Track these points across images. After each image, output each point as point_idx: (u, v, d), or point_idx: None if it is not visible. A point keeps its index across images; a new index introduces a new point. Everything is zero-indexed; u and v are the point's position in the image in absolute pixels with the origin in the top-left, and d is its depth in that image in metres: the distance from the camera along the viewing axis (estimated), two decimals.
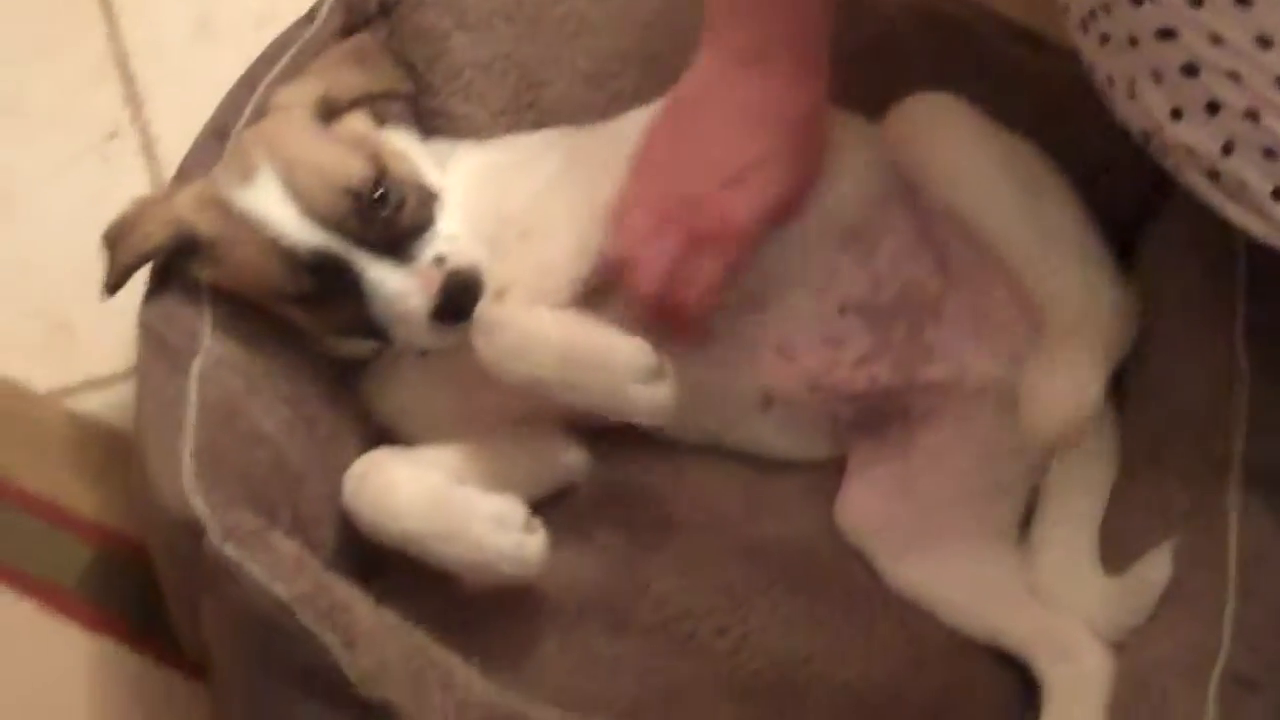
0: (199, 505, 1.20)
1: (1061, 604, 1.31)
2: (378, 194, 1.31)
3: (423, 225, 1.33)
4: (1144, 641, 1.26)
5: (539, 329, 1.28)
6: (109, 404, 1.53)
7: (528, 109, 1.53)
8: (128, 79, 1.72)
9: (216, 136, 1.42)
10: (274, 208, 1.30)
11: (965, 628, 1.34)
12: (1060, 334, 1.31)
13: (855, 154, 1.40)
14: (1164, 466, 1.31)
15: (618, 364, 1.27)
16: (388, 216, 1.31)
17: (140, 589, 1.37)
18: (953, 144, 1.37)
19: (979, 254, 1.36)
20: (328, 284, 1.30)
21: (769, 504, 1.41)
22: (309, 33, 1.47)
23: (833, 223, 1.38)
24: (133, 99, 1.71)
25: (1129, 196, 1.41)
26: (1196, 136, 1.16)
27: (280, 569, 1.18)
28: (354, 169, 1.31)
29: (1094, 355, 1.30)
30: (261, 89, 1.44)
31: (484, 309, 1.30)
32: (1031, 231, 1.34)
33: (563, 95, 1.52)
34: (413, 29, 1.51)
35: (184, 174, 1.40)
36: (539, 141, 1.46)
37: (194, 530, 1.20)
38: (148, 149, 1.68)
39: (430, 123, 1.52)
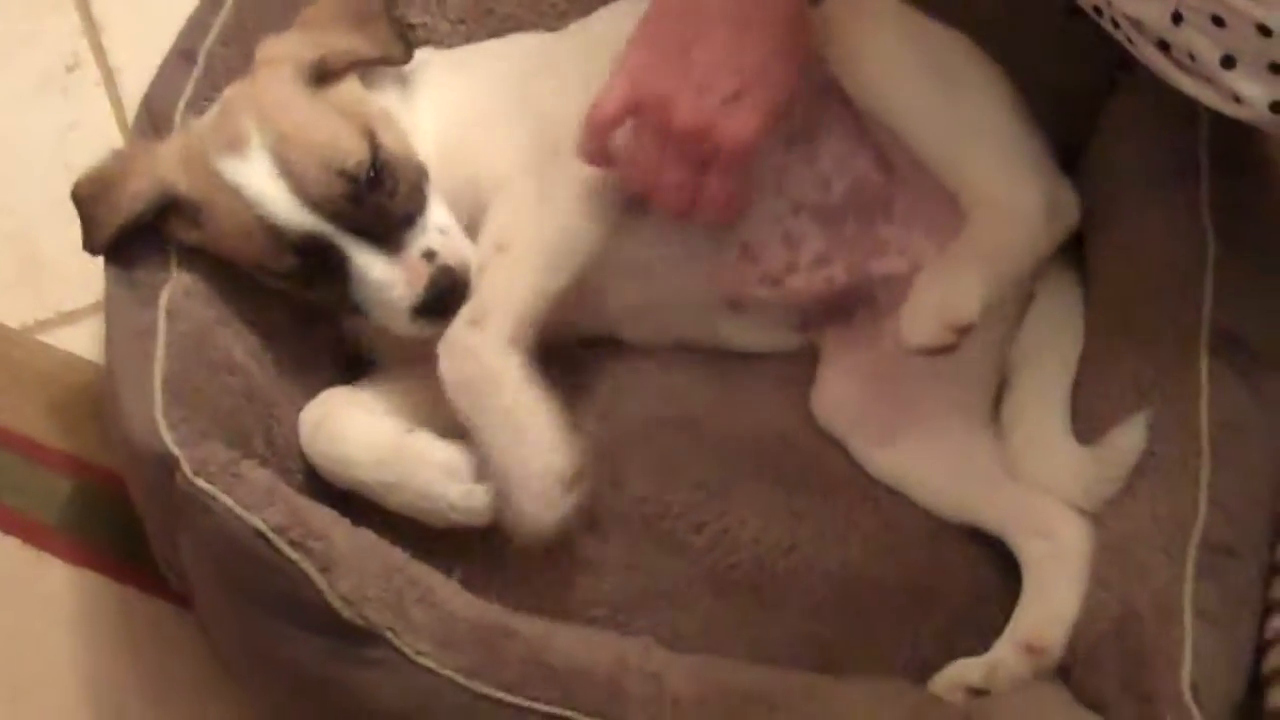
0: (170, 440, 1.22)
1: (1036, 478, 1.32)
2: (371, 176, 1.29)
3: (414, 212, 1.31)
4: (1121, 513, 1.27)
5: (498, 382, 1.27)
6: (83, 338, 1.54)
7: (486, 15, 1.54)
8: (84, 9, 1.71)
9: (184, 58, 1.41)
10: (265, 185, 1.28)
11: (944, 510, 1.36)
12: (966, 236, 1.31)
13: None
14: (1134, 336, 1.32)
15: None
16: (380, 202, 1.29)
17: (121, 521, 1.38)
18: (871, 42, 1.37)
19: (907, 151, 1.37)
20: (313, 264, 1.29)
21: (742, 398, 1.42)
22: None
23: (780, 126, 1.37)
24: (90, 29, 1.70)
25: (1091, 72, 1.41)
26: (1145, 8, 1.16)
27: (253, 499, 1.20)
28: (349, 149, 1.29)
29: (981, 270, 1.29)
30: (228, 5, 1.43)
31: (459, 331, 1.28)
32: (946, 132, 1.34)
33: (510, 14, 1.52)
34: None
35: (152, 99, 1.39)
36: (507, 59, 1.44)
37: (167, 465, 1.21)
38: (108, 79, 1.68)
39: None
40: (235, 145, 1.29)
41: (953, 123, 1.35)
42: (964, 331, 1.26)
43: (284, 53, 1.34)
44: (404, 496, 1.29)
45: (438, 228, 1.31)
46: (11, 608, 1.45)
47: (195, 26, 1.44)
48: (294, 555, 1.19)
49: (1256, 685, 1.23)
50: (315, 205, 1.27)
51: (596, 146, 1.32)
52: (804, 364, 1.44)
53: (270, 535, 1.19)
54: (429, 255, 1.29)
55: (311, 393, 1.37)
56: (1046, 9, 1.31)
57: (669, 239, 1.38)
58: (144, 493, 1.30)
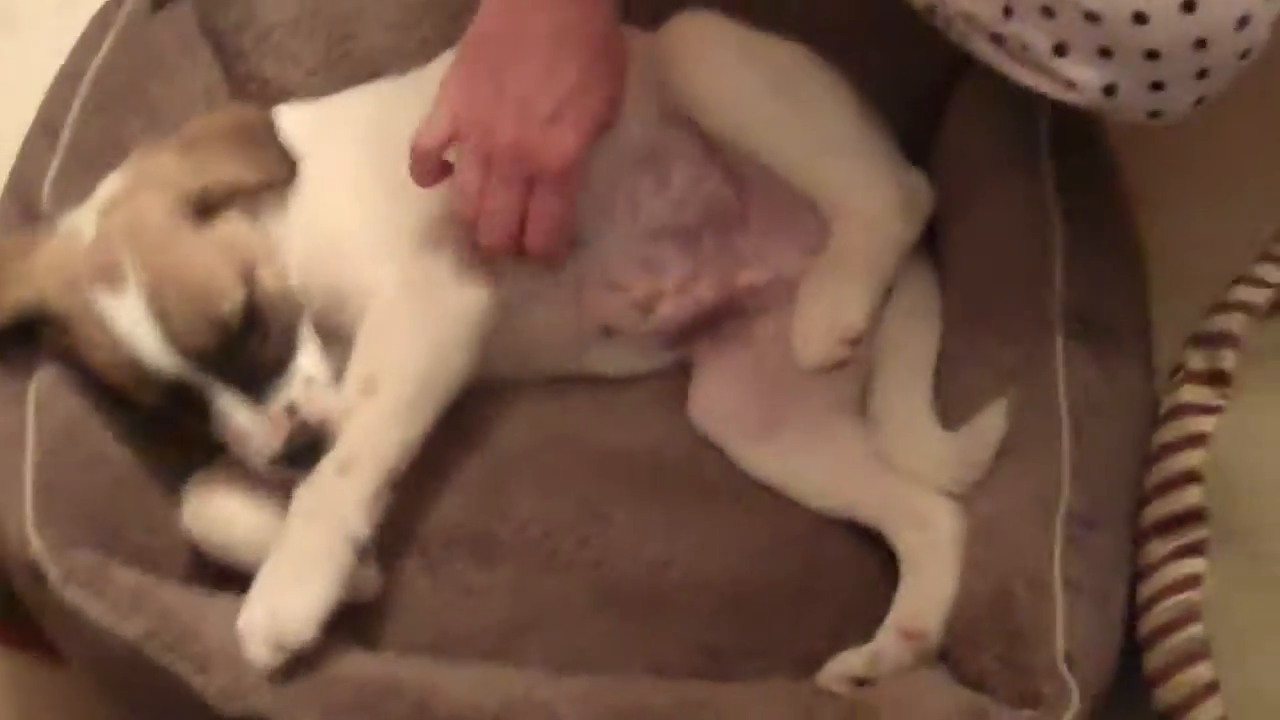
0: (38, 547, 1.24)
1: (905, 466, 1.36)
2: (244, 324, 1.29)
3: (284, 358, 1.31)
4: (989, 494, 1.31)
5: (335, 537, 1.28)
6: None
7: (341, 61, 1.55)
8: None
9: (47, 133, 1.42)
10: (137, 326, 1.27)
11: (822, 504, 1.39)
12: (834, 249, 1.35)
13: (632, 75, 1.40)
14: (990, 322, 1.36)
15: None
16: (251, 350, 1.29)
17: (7, 587, 1.36)
18: (711, 67, 1.40)
19: (756, 165, 1.40)
20: (178, 403, 1.30)
21: (616, 417, 1.45)
22: (124, 11, 1.48)
23: (625, 152, 1.41)
24: None
25: (935, 65, 1.45)
26: (977, 5, 1.21)
27: (122, 608, 1.23)
28: (224, 294, 1.28)
29: (857, 279, 1.33)
30: (90, 76, 1.44)
31: (326, 476, 1.29)
32: (796, 146, 1.38)
33: (372, 46, 1.54)
34: None
35: (18, 178, 1.40)
36: (363, 120, 1.45)
37: (38, 572, 1.24)
38: None
39: (244, 87, 1.54)
40: (110, 279, 1.28)
41: (801, 137, 1.39)
42: (855, 343, 1.30)
43: (165, 178, 1.33)
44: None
45: (304, 378, 1.31)
46: None
47: (57, 99, 1.45)
48: (167, 659, 1.23)
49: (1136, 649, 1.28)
50: (185, 352, 1.28)
51: (423, 175, 1.34)
52: (676, 379, 1.47)
53: (141, 644, 1.23)
54: (291, 409, 1.30)
55: (188, 464, 1.37)
56: (883, 14, 1.35)
57: (536, 277, 1.41)
58: (24, 592, 1.30)
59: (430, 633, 1.35)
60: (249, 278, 1.30)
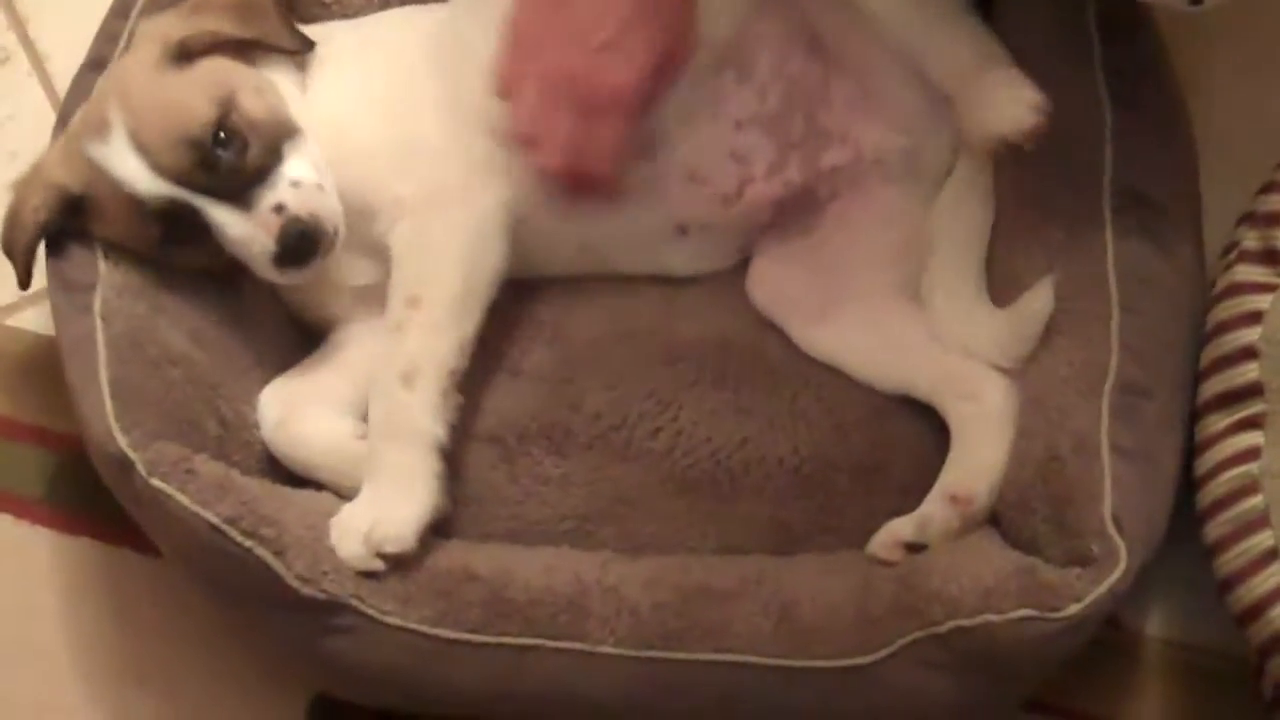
0: (124, 444, 1.35)
1: (958, 343, 1.43)
2: (220, 139, 1.40)
3: (268, 167, 1.41)
4: (1040, 367, 1.38)
5: (412, 442, 1.40)
6: (48, 317, 1.57)
7: None
8: (7, 3, 1.81)
9: (95, 70, 1.51)
10: (124, 162, 1.40)
11: (879, 381, 1.48)
12: (971, 74, 1.42)
13: None
14: (1041, 203, 1.42)
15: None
16: (231, 162, 1.40)
17: (108, 492, 1.45)
18: None
19: (851, 32, 1.47)
20: (183, 230, 1.41)
21: (681, 311, 1.54)
22: None
23: (707, 52, 1.48)
24: (16, 22, 1.80)
25: None
26: None
27: (206, 494, 1.34)
28: (196, 116, 1.40)
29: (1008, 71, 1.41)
30: (134, 15, 1.53)
31: (392, 387, 1.41)
32: (913, 4, 1.45)
33: None
34: None
35: (66, 114, 1.49)
36: (399, 45, 1.54)
37: (125, 467, 1.35)
38: (39, 67, 1.78)
39: (308, 12, 1.60)
40: (99, 129, 1.41)
41: (933, 13, 1.46)
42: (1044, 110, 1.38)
43: (152, 33, 1.46)
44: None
45: (290, 181, 1.42)
46: (12, 582, 1.57)
47: (105, 37, 1.54)
48: (248, 544, 1.33)
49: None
50: (168, 173, 1.40)
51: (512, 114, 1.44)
52: (737, 276, 1.55)
53: (224, 527, 1.33)
54: (279, 208, 1.40)
55: (258, 364, 1.50)
56: None
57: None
58: (112, 485, 1.42)
59: (507, 521, 1.46)
60: (225, 101, 1.42)
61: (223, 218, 1.41)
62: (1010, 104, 1.39)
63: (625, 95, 1.42)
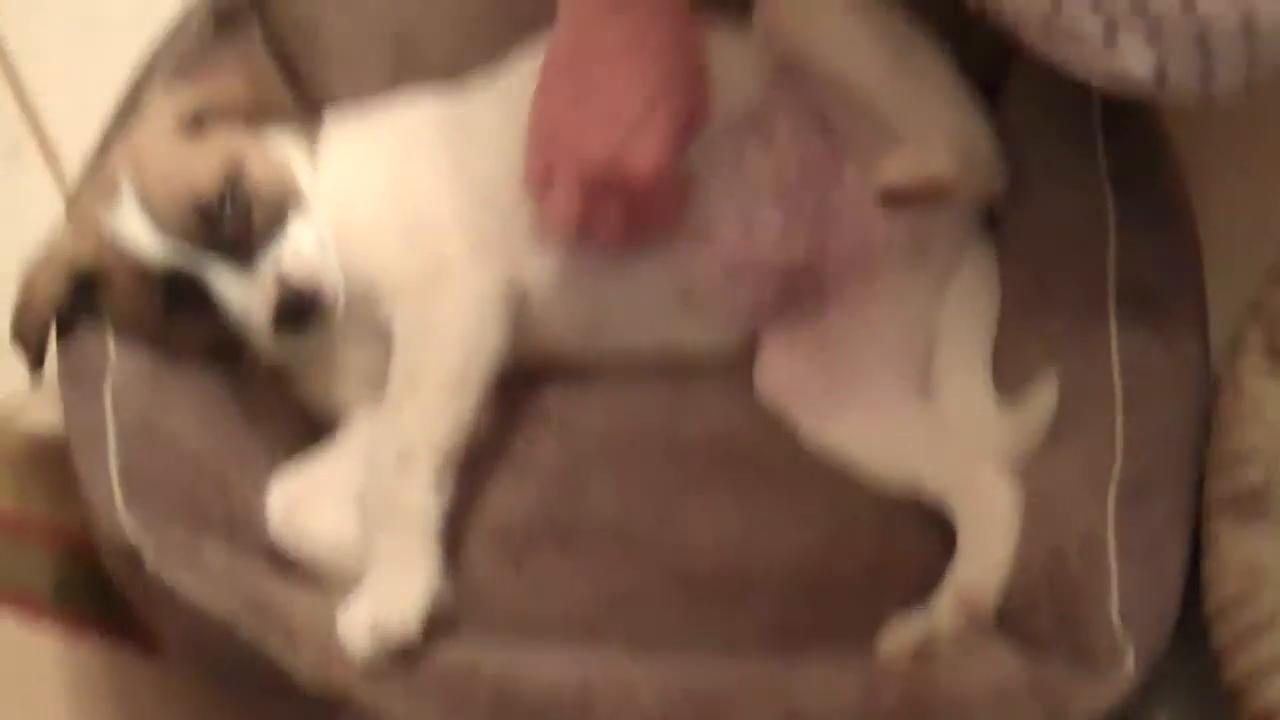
0: (133, 530, 1.35)
1: (964, 439, 1.44)
2: (226, 202, 1.43)
3: (272, 234, 1.44)
4: (1044, 464, 1.38)
5: (407, 521, 1.40)
6: (56, 412, 1.59)
7: (409, 74, 1.64)
8: (19, 91, 1.85)
9: (104, 153, 1.52)
10: (131, 225, 1.42)
11: (885, 479, 1.47)
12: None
13: (735, 55, 1.51)
14: (1045, 297, 1.43)
15: None
16: (236, 226, 1.43)
17: (117, 590, 1.46)
18: (823, 17, 1.48)
19: (861, 117, 1.48)
20: (185, 298, 1.43)
21: (688, 407, 1.55)
22: (182, 40, 1.58)
23: (730, 120, 1.50)
24: (28, 113, 1.84)
25: (988, 58, 1.51)
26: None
27: (215, 585, 1.34)
28: (203, 179, 1.43)
29: (956, 153, 1.42)
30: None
31: (388, 466, 1.42)
32: (905, 90, 1.46)
33: (442, 53, 1.64)
34: (284, 18, 1.63)
35: (76, 200, 1.51)
36: (404, 131, 1.56)
37: (133, 556, 1.35)
38: (50, 158, 1.81)
39: (317, 105, 1.63)
40: (109, 196, 1.44)
41: (910, 84, 1.46)
42: (940, 191, 1.41)
43: (166, 103, 1.49)
44: None
45: (292, 248, 1.44)
46: (16, 684, 1.57)
47: (133, 97, 1.56)
48: (259, 634, 1.33)
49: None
50: (173, 234, 1.42)
51: (547, 207, 1.46)
52: (744, 370, 1.56)
53: (233, 619, 1.33)
54: (279, 273, 1.42)
55: (267, 454, 1.50)
56: (934, 6, 1.44)
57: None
58: (120, 577, 1.42)
59: (513, 619, 1.45)
60: (233, 166, 1.44)
61: (224, 282, 1.43)
62: (902, 162, 1.41)
63: (661, 176, 1.44)
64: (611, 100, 1.42)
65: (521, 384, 1.56)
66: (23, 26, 1.88)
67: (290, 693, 1.34)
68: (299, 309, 1.43)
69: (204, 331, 1.46)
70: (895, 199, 1.42)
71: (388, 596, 1.38)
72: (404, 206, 1.52)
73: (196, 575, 1.35)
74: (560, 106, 1.45)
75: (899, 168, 1.41)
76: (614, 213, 1.45)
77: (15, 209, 1.78)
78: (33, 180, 1.81)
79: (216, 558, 1.37)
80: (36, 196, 1.79)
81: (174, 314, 1.45)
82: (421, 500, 1.41)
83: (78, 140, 1.60)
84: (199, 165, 1.45)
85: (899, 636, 1.38)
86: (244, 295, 1.43)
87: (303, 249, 1.45)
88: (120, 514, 1.37)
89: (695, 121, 1.46)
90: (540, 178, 1.47)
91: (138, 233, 1.43)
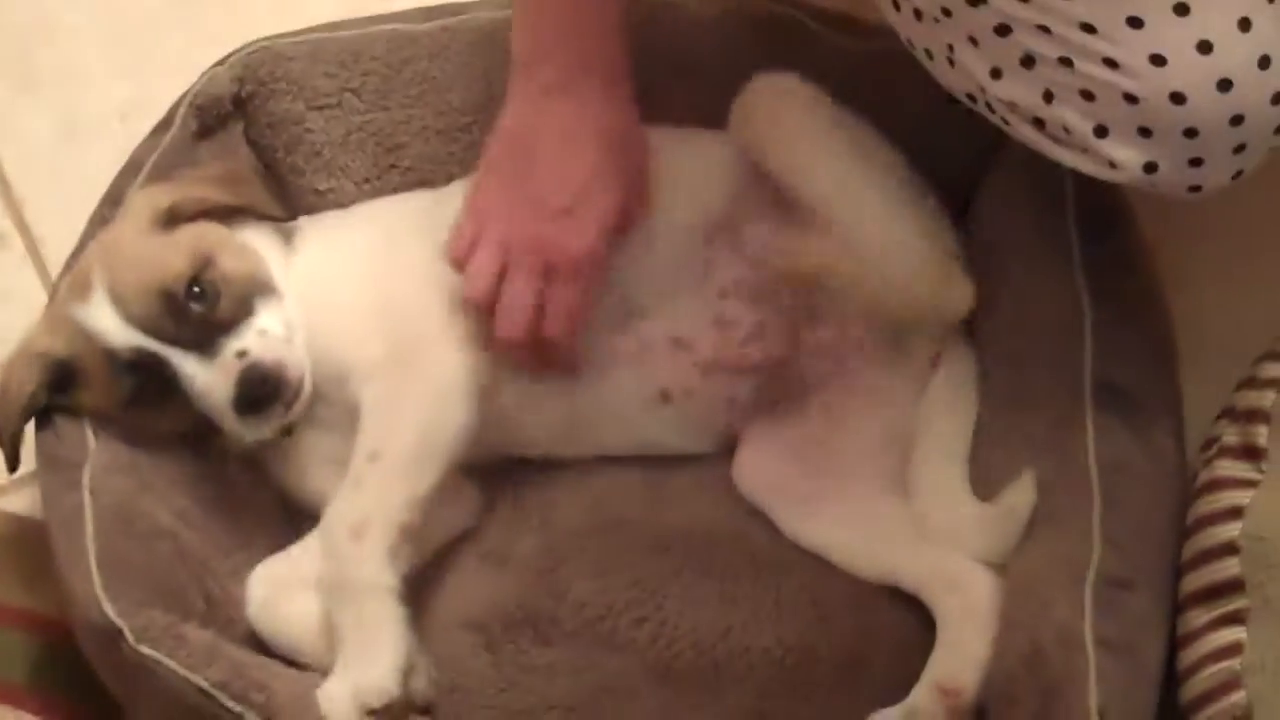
0: (112, 612, 1.36)
1: (943, 537, 1.45)
2: (194, 292, 1.44)
3: (237, 320, 1.46)
4: (1023, 560, 1.40)
5: (363, 596, 1.41)
6: (35, 499, 1.61)
7: (390, 172, 1.69)
8: (4, 187, 1.86)
9: (101, 227, 1.55)
10: (100, 315, 1.44)
11: (864, 571, 1.49)
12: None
13: (708, 162, 1.56)
14: (1024, 397, 1.46)
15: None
16: (201, 314, 1.44)
17: (90, 673, 1.46)
18: (788, 125, 1.52)
19: (827, 221, 1.49)
20: (152, 386, 1.45)
21: (667, 498, 1.57)
22: (166, 139, 1.60)
23: (698, 225, 1.54)
24: (12, 206, 1.85)
25: (965, 155, 1.56)
26: (1017, 91, 1.30)
27: (195, 660, 1.35)
28: (171, 269, 1.45)
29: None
30: (144, 174, 1.58)
31: (340, 541, 1.42)
32: (856, 200, 1.49)
33: (421, 154, 1.67)
34: (268, 118, 1.66)
35: (56, 293, 1.53)
36: (373, 229, 1.59)
37: (112, 636, 1.36)
38: (34, 252, 1.83)
39: (302, 201, 1.67)
40: (82, 290, 1.46)
41: (870, 197, 1.50)
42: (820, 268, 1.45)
43: (142, 201, 1.51)
44: None
45: (258, 330, 1.46)
46: None
47: (114, 196, 1.58)
48: (239, 709, 1.34)
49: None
50: (138, 323, 1.44)
51: (465, 282, 1.48)
52: (722, 464, 1.58)
53: (214, 692, 1.34)
54: (242, 354, 1.44)
55: (245, 545, 1.51)
56: (922, 98, 1.45)
57: (596, 346, 1.53)
58: (98, 661, 1.43)
59: (490, 711, 1.46)
60: (202, 257, 1.46)
61: (189, 368, 1.44)
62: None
63: (585, 259, 1.47)
64: (546, 186, 1.46)
65: (501, 477, 1.59)
66: (9, 122, 1.90)
67: None
68: (261, 392, 1.44)
69: (173, 419, 1.48)
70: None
71: (361, 666, 1.39)
72: (381, 289, 1.53)
73: (176, 650, 1.35)
74: (497, 185, 1.49)
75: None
76: (523, 295, 1.47)
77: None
78: (16, 273, 1.83)
79: (196, 633, 1.38)
80: (20, 290, 1.81)
81: (142, 402, 1.46)
82: (374, 571, 1.42)
83: (62, 234, 1.62)
84: (169, 256, 1.47)
85: None
86: (207, 378, 1.44)
87: (269, 332, 1.47)
88: (99, 595, 1.37)
89: (630, 216, 1.50)
90: (464, 246, 1.49)
91: (107, 322, 1.45)
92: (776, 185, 1.52)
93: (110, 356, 1.45)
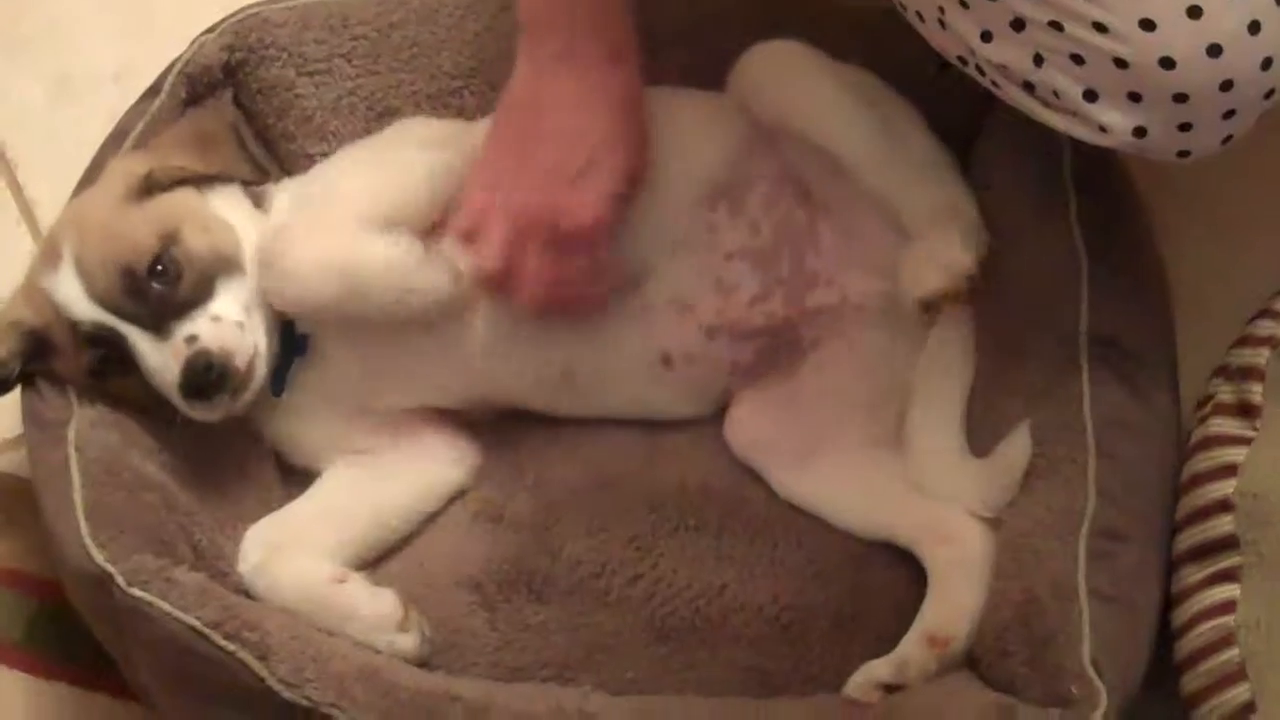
0: (102, 559, 1.37)
1: (938, 491, 1.47)
2: (156, 270, 1.45)
3: (195, 302, 1.47)
4: (1018, 511, 1.42)
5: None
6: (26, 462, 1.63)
7: None
8: None
9: None
10: (66, 287, 1.46)
11: (858, 527, 1.51)
12: (925, 229, 1.47)
13: (708, 124, 1.56)
14: (1020, 352, 1.47)
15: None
16: (160, 293, 1.45)
17: (85, 630, 1.48)
18: (799, 82, 1.53)
19: (838, 180, 1.51)
20: (111, 357, 1.46)
21: (662, 457, 1.58)
22: (154, 106, 1.61)
23: (700, 188, 1.55)
24: (5, 169, 1.86)
25: (959, 116, 1.56)
26: (1007, 53, 1.31)
27: (187, 600, 1.36)
28: (136, 245, 1.46)
29: (960, 234, 1.46)
30: (132, 138, 1.59)
31: (268, 253, 1.47)
32: (882, 151, 1.50)
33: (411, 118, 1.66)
34: (259, 85, 1.67)
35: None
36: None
37: (103, 583, 1.37)
38: (27, 215, 1.83)
39: (295, 165, 1.68)
40: (52, 259, 1.48)
41: (889, 146, 1.51)
42: (970, 279, 1.44)
43: (118, 168, 1.52)
44: (340, 634, 1.44)
45: (212, 315, 1.47)
46: None
47: (101, 162, 1.58)
48: (231, 647, 1.35)
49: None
50: (99, 298, 1.45)
51: (472, 254, 1.49)
52: (717, 423, 1.59)
53: (207, 631, 1.35)
54: (191, 339, 1.45)
55: (234, 499, 1.53)
56: (915, 62, 1.47)
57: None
58: (89, 611, 1.45)
59: (486, 668, 1.48)
60: (168, 235, 1.47)
61: (143, 346, 1.46)
62: (932, 270, 1.44)
63: (594, 225, 1.48)
64: (554, 154, 1.47)
65: (496, 436, 1.60)
66: (1, 85, 1.91)
67: (262, 704, 1.36)
68: (205, 380, 1.45)
69: (136, 391, 1.49)
70: (934, 307, 1.45)
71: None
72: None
73: (168, 592, 1.36)
74: (505, 154, 1.50)
75: (933, 281, 1.44)
76: (538, 266, 1.48)
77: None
78: (10, 236, 1.84)
79: (188, 576, 1.39)
80: (13, 253, 1.80)
81: (106, 373, 1.48)
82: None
83: (55, 197, 1.63)
84: (136, 231, 1.48)
85: (870, 674, 1.40)
86: (158, 359, 1.46)
87: (224, 317, 1.48)
88: (88, 543, 1.38)
89: (635, 181, 1.50)
90: (471, 221, 1.50)
91: (70, 293, 1.46)
92: (788, 148, 1.54)
93: (75, 328, 1.47)
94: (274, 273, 1.47)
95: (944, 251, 1.45)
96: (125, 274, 1.46)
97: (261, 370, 1.49)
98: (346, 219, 1.49)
